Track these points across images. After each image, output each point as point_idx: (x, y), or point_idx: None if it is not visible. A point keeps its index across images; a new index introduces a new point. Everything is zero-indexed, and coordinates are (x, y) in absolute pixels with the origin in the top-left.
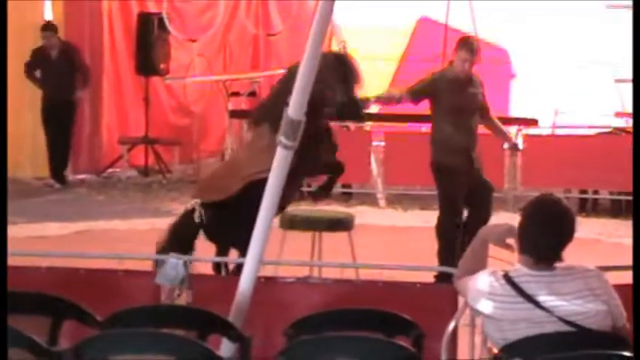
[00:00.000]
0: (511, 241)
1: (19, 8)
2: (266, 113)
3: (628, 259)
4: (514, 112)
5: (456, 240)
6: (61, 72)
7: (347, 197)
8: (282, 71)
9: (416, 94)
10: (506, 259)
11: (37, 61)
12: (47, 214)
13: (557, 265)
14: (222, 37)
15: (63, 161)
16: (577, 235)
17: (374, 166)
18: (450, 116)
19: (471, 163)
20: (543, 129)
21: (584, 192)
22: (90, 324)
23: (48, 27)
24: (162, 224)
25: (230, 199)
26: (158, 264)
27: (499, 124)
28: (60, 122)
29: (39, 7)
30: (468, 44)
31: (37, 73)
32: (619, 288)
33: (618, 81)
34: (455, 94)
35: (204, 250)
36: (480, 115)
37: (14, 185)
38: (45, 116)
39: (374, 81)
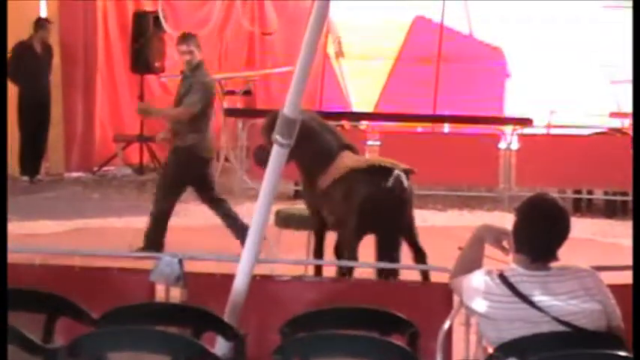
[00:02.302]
0: (506, 243)
1: (14, 6)
2: None
3: (623, 259)
4: (509, 111)
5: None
6: (45, 69)
7: None
8: (277, 70)
9: None
10: (501, 258)
11: (23, 56)
12: (42, 211)
13: (552, 265)
14: (217, 36)
15: (37, 158)
16: (571, 235)
17: None
18: None
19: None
20: (538, 129)
21: (578, 192)
22: (85, 321)
23: (44, 25)
24: None
25: None
26: None
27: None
28: (38, 120)
29: (34, 4)
30: (180, 39)
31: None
32: (614, 288)
33: (614, 82)
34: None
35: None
36: None
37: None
38: (23, 112)
39: (369, 80)
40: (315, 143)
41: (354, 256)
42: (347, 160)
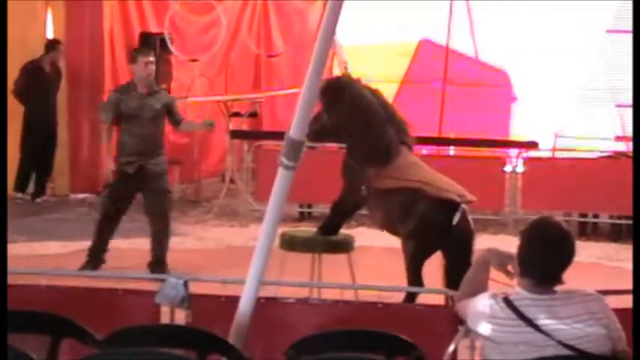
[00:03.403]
0: (511, 267)
1: (21, 27)
2: None
3: (628, 283)
4: (515, 134)
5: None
6: (53, 90)
7: None
8: (283, 92)
9: (102, 110)
10: (506, 282)
11: (32, 75)
12: (48, 232)
13: (558, 288)
14: (223, 57)
15: (44, 179)
16: (577, 258)
17: None
18: (124, 123)
19: (142, 168)
20: (544, 152)
21: (584, 215)
22: (89, 343)
23: (56, 46)
24: None
25: None
26: None
27: (188, 127)
28: (44, 140)
29: (40, 27)
30: (142, 50)
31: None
32: (619, 312)
33: (619, 105)
34: (127, 102)
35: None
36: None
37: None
38: (29, 131)
39: None
40: (375, 135)
41: (417, 282)
42: (412, 169)
